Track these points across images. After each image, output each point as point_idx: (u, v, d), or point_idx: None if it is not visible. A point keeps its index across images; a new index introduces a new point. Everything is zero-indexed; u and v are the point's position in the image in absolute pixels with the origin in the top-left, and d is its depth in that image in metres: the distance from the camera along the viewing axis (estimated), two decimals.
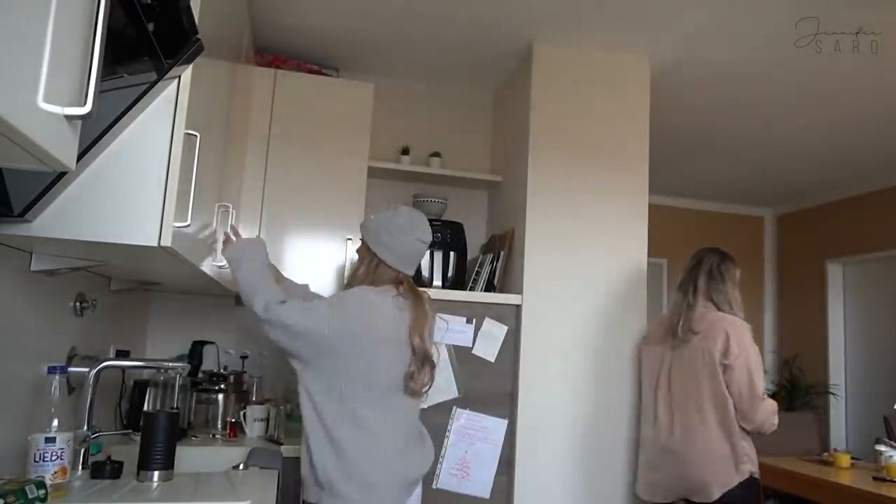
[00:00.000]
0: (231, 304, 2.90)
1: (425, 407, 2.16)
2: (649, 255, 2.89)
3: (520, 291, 2.73)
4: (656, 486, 2.39)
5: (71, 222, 1.28)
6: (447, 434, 2.57)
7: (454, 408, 2.59)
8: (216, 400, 2.54)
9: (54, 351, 1.78)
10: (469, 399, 2.61)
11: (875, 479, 3.04)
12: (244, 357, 2.86)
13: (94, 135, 1.20)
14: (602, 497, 2.70)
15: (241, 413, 2.54)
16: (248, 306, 1.77)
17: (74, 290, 1.88)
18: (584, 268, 2.80)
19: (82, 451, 1.69)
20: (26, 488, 1.26)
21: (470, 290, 2.83)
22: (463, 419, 2.60)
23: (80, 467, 1.67)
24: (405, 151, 3.17)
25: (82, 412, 1.73)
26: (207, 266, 1.91)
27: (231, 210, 2.13)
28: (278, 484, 1.91)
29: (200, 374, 2.64)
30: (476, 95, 3.46)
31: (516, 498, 2.60)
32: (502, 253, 2.85)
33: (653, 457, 2.42)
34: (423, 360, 1.83)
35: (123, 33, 1.05)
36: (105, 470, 1.66)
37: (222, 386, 2.56)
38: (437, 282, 2.84)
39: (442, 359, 2.53)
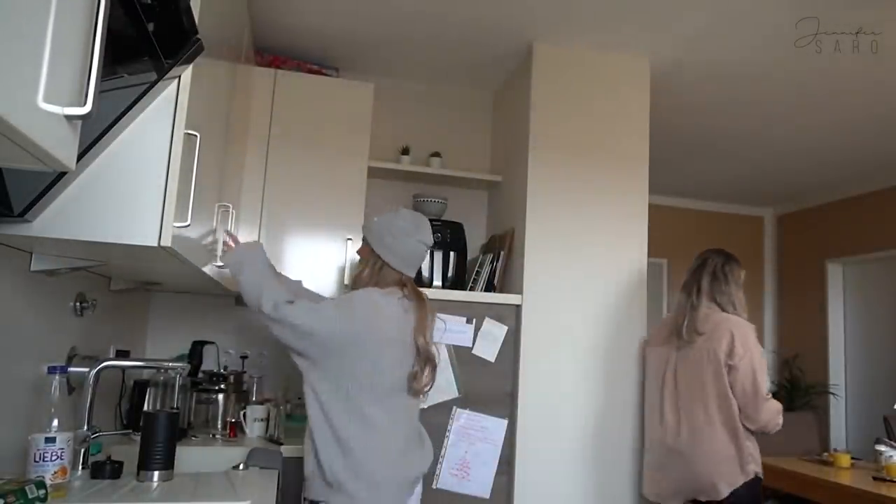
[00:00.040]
0: (231, 304, 2.90)
1: (425, 407, 2.17)
2: (649, 255, 2.90)
3: (520, 291, 2.73)
4: (664, 487, 2.39)
5: (71, 222, 1.28)
6: (447, 434, 2.57)
7: (454, 408, 2.59)
8: (216, 400, 2.54)
9: (54, 351, 1.78)
10: (469, 399, 2.61)
11: (875, 479, 3.04)
12: (244, 357, 2.86)
13: (94, 135, 1.20)
14: (602, 497, 2.70)
15: (241, 413, 2.54)
16: (254, 307, 1.80)
17: (74, 290, 1.88)
18: (584, 268, 2.80)
19: (82, 451, 1.69)
20: (26, 488, 1.26)
21: (470, 290, 2.83)
22: (463, 419, 2.60)
23: (80, 467, 1.67)
24: (405, 151, 3.17)
25: (82, 412, 1.73)
26: (208, 267, 1.91)
27: (231, 210, 2.13)
28: (278, 484, 1.91)
29: (200, 374, 2.64)
30: (476, 95, 3.46)
31: (516, 498, 2.60)
32: (502, 253, 2.85)
33: (660, 457, 2.42)
34: (426, 361, 1.87)
35: (123, 33, 1.05)
36: (105, 470, 1.66)
37: (222, 386, 2.56)
38: (437, 282, 2.84)
39: (442, 359, 2.52)
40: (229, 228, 2.10)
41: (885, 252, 4.63)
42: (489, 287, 2.81)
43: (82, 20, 0.84)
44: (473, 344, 2.64)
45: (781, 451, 3.48)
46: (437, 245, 2.80)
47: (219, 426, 2.51)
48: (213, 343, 2.74)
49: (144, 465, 1.67)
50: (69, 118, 0.83)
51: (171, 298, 2.91)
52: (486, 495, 2.58)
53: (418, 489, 1.92)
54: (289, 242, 2.72)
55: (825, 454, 3.55)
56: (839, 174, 4.62)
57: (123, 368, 2.32)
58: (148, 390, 2.31)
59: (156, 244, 1.33)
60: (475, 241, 3.15)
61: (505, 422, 2.64)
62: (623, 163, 2.91)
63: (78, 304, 1.88)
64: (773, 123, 3.69)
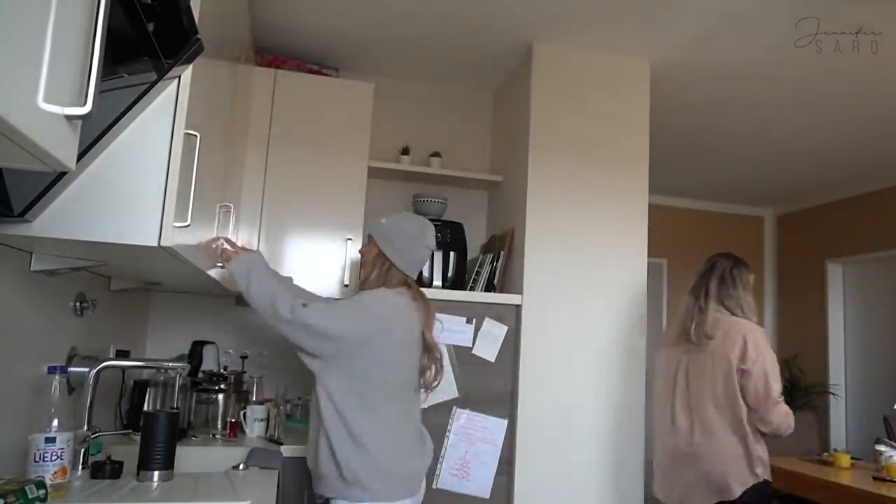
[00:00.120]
0: (231, 304, 2.90)
1: (425, 407, 2.18)
2: (649, 255, 2.90)
3: (520, 291, 2.73)
4: (677, 490, 2.38)
5: (71, 222, 1.28)
6: (447, 434, 2.57)
7: (454, 408, 2.59)
8: (216, 400, 2.54)
9: (54, 351, 1.78)
10: (469, 399, 2.61)
11: (875, 479, 3.05)
12: (244, 357, 2.86)
13: (94, 135, 1.20)
14: (603, 497, 2.70)
15: (241, 413, 2.54)
16: (266, 312, 1.84)
17: (74, 290, 1.88)
18: (584, 268, 2.80)
19: (82, 451, 1.69)
20: (26, 488, 1.26)
21: (470, 290, 2.83)
22: (463, 419, 2.60)
23: (80, 467, 1.68)
24: (405, 151, 3.17)
25: (82, 412, 1.73)
26: (208, 268, 1.91)
27: (232, 210, 2.13)
28: (278, 484, 1.91)
29: (200, 374, 2.64)
30: (476, 95, 3.46)
31: (516, 498, 2.60)
32: (502, 253, 2.85)
33: (674, 459, 2.39)
34: (434, 356, 1.98)
35: (123, 33, 1.05)
36: (105, 470, 1.66)
37: (222, 386, 2.57)
38: (437, 282, 2.84)
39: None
40: (230, 229, 2.10)
41: (885, 252, 4.63)
42: (489, 287, 2.81)
43: (82, 20, 0.84)
44: (473, 344, 2.64)
45: (782, 451, 3.48)
46: (437, 245, 2.80)
47: (219, 426, 2.51)
48: (213, 343, 2.75)
49: (144, 465, 1.67)
50: (69, 118, 0.83)
51: (171, 298, 2.91)
52: (486, 495, 2.58)
53: (422, 486, 1.96)
54: (289, 242, 2.72)
55: (825, 454, 3.55)
56: (839, 174, 4.62)
57: (123, 368, 2.32)
58: (148, 390, 2.31)
59: (156, 244, 1.32)
60: (475, 241, 3.15)
61: (505, 422, 2.64)
62: (623, 163, 2.91)
63: (78, 304, 1.88)
64: (773, 123, 3.69)
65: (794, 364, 5.15)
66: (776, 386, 2.28)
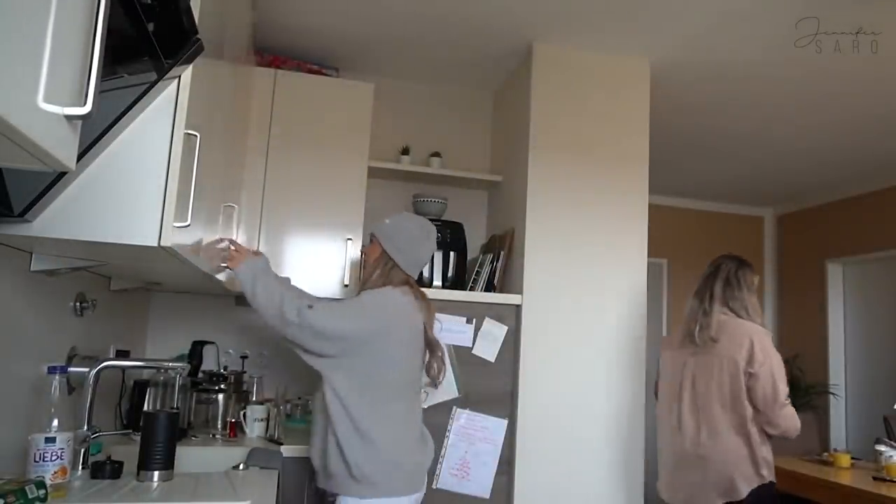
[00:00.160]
0: (231, 304, 2.90)
1: (426, 407, 2.18)
2: (649, 255, 2.90)
3: (520, 291, 2.73)
4: (682, 491, 2.37)
5: (71, 222, 1.28)
6: (447, 434, 2.57)
7: (454, 408, 2.59)
8: (216, 400, 2.54)
9: (54, 351, 1.78)
10: (469, 399, 2.61)
11: (875, 479, 3.05)
12: (244, 357, 2.86)
13: (94, 135, 1.20)
14: (603, 497, 2.70)
15: (241, 413, 2.54)
16: (272, 315, 1.87)
17: (74, 290, 1.88)
18: (584, 267, 2.80)
19: (82, 451, 1.69)
20: (26, 488, 1.26)
21: (470, 290, 2.83)
22: (463, 419, 2.60)
23: (80, 467, 1.68)
24: (405, 151, 3.17)
25: (82, 412, 1.73)
26: (208, 268, 1.91)
27: (235, 210, 2.13)
28: (278, 484, 1.91)
29: (200, 374, 2.64)
30: (476, 95, 3.46)
31: (516, 498, 2.60)
32: (502, 253, 2.85)
33: (680, 460, 2.39)
34: (437, 353, 2.05)
35: (123, 33, 1.05)
36: (105, 470, 1.66)
37: (222, 386, 2.57)
38: (437, 282, 2.84)
39: None
40: (234, 229, 2.10)
41: (885, 252, 4.62)
42: (489, 287, 2.81)
43: (82, 20, 0.84)
44: (473, 344, 2.65)
45: (782, 451, 3.47)
46: (437, 245, 2.80)
47: (219, 426, 2.51)
48: (213, 343, 2.75)
49: (144, 465, 1.67)
50: (69, 118, 0.83)
51: (171, 298, 2.91)
52: (486, 495, 2.58)
53: (425, 484, 1.98)
54: (289, 242, 2.72)
55: (825, 454, 3.55)
56: (839, 174, 4.62)
57: (123, 368, 2.32)
58: (148, 390, 2.31)
59: (156, 244, 1.32)
60: (475, 241, 3.15)
61: (505, 422, 2.64)
62: (623, 163, 2.91)
63: (78, 304, 1.88)
64: (773, 123, 3.69)
65: (794, 364, 5.14)
66: (783, 388, 2.28)
